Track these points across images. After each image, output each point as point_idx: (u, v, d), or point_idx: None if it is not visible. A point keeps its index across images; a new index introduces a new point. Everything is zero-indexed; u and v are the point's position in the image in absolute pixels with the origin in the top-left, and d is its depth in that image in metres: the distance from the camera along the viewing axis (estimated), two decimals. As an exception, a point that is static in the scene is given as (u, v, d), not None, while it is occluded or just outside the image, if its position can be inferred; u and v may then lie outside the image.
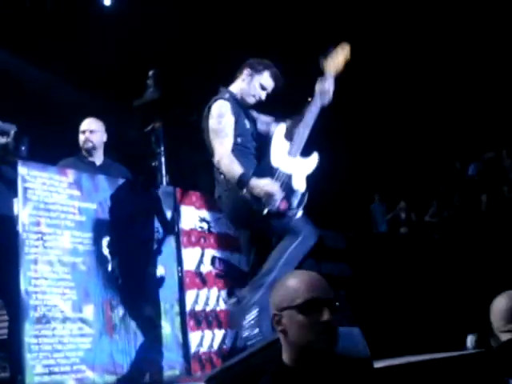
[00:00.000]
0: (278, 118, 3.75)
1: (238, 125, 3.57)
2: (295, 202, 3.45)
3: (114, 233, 4.16)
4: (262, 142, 3.65)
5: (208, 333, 4.54)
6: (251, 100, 3.72)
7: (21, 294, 3.56)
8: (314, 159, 3.62)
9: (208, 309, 4.60)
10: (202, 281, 4.63)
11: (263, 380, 1.88)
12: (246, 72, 3.72)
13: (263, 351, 2.03)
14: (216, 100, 3.59)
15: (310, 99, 3.63)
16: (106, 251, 4.09)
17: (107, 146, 4.68)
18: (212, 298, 4.66)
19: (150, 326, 4.21)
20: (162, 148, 5.10)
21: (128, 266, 4.19)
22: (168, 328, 4.32)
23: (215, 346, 4.57)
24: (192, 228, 4.68)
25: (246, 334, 3.31)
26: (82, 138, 4.59)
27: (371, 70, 7.47)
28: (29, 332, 3.54)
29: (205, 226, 4.77)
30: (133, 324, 4.10)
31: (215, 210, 4.63)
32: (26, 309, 3.57)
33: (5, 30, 5.68)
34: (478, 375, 2.74)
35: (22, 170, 3.76)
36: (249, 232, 3.61)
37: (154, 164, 5.19)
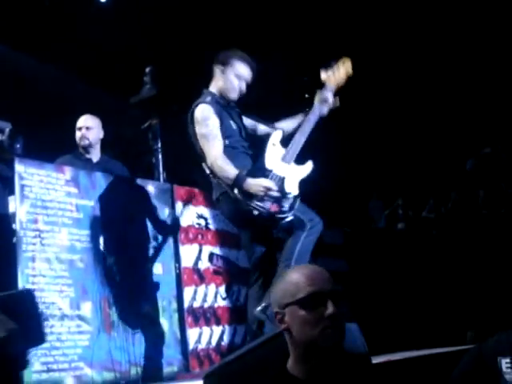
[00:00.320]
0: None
1: (223, 126, 3.57)
2: (287, 205, 3.44)
3: (112, 230, 4.16)
4: (257, 143, 3.66)
5: (206, 329, 4.54)
6: (234, 95, 3.68)
7: (18, 292, 3.56)
8: (308, 167, 3.61)
9: (206, 305, 4.60)
10: (200, 277, 4.63)
11: None
12: (217, 69, 3.68)
13: (263, 347, 2.02)
14: (197, 105, 3.59)
15: (307, 109, 3.66)
16: (103, 248, 4.09)
17: (104, 143, 4.67)
18: (210, 295, 4.66)
19: (148, 323, 4.21)
20: (159, 145, 5.09)
21: (126, 263, 4.19)
22: (166, 325, 4.32)
23: (213, 342, 4.57)
24: (189, 225, 4.67)
25: None
26: (78, 134, 4.58)
27: (368, 67, 7.47)
28: (27, 329, 3.54)
29: (202, 222, 4.77)
30: (131, 321, 4.10)
31: (213, 207, 4.63)
32: (24, 306, 3.56)
33: (1, 24, 5.66)
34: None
35: (19, 167, 3.76)
36: (250, 231, 3.61)
37: (151, 161, 5.19)
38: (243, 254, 4.37)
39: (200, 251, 4.69)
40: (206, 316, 4.57)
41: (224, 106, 3.64)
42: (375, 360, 2.15)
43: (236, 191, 3.41)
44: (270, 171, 3.49)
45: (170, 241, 4.50)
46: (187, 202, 4.69)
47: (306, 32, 7.03)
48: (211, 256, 4.76)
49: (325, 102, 3.63)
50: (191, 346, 4.41)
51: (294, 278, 1.78)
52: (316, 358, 1.74)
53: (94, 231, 4.06)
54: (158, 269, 4.37)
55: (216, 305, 4.68)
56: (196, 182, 4.85)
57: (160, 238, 4.42)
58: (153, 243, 4.39)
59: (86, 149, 4.57)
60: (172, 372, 4.24)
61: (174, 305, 4.41)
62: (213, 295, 4.69)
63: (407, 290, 5.95)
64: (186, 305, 4.46)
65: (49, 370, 3.60)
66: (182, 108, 3.74)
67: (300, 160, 3.60)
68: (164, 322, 4.31)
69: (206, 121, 3.53)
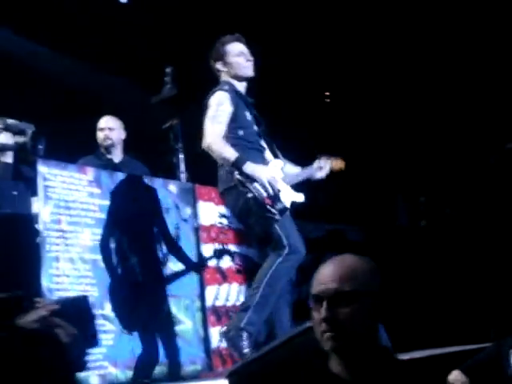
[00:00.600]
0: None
1: (238, 116, 3.53)
2: (279, 206, 3.39)
3: (134, 229, 4.18)
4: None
5: (229, 328, 4.54)
6: (249, 71, 3.65)
7: (42, 292, 3.59)
8: (300, 197, 3.57)
9: (229, 304, 4.61)
10: (223, 276, 4.63)
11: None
12: (218, 65, 3.66)
13: (288, 344, 2.02)
14: (214, 92, 3.56)
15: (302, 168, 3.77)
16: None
17: (125, 143, 4.70)
18: (232, 294, 4.67)
19: (171, 322, 4.22)
20: (180, 144, 5.10)
21: (148, 262, 4.21)
22: (189, 323, 4.33)
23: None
24: (212, 224, 4.68)
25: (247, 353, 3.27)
26: (100, 135, 4.61)
27: (395, 67, 7.44)
28: (51, 329, 3.56)
29: (224, 221, 4.78)
30: (154, 320, 4.11)
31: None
32: (49, 306, 3.59)
33: (25, 21, 5.71)
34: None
35: (43, 168, 3.79)
36: (251, 228, 3.56)
37: (172, 160, 5.20)
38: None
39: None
40: (228, 315, 4.57)
41: (240, 95, 3.61)
42: (401, 357, 2.12)
43: (236, 173, 3.36)
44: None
45: (192, 240, 4.52)
46: (209, 201, 4.70)
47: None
48: (233, 255, 4.75)
49: (320, 169, 3.76)
50: (214, 344, 4.41)
51: (317, 272, 1.69)
52: (340, 359, 1.65)
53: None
54: (180, 268, 4.38)
55: (238, 303, 4.68)
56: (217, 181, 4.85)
57: (182, 236, 4.43)
58: (175, 242, 4.40)
59: (109, 149, 4.59)
60: (195, 371, 4.25)
61: (197, 304, 4.43)
62: (235, 294, 4.69)
63: (430, 287, 5.91)
64: (208, 303, 4.47)
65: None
66: (203, 108, 3.75)
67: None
68: (187, 320, 4.32)
69: (219, 106, 3.48)
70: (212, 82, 3.70)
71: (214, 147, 3.41)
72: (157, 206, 4.37)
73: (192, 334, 4.33)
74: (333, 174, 3.85)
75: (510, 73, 7.25)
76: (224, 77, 3.66)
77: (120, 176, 4.27)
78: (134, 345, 3.94)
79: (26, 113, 3.98)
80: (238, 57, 3.63)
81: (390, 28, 6.87)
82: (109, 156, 4.60)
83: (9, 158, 3.65)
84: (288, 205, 3.46)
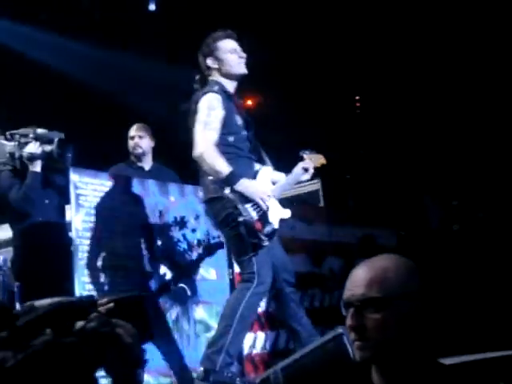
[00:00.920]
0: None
1: (228, 120, 3.40)
2: (268, 229, 3.33)
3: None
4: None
5: (261, 334, 4.53)
6: (241, 69, 3.53)
7: (76, 299, 3.62)
8: (287, 213, 3.51)
9: (260, 310, 4.59)
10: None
11: None
12: (209, 61, 3.51)
13: (320, 351, 2.00)
14: (205, 93, 3.41)
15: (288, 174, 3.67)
16: (157, 255, 4.12)
17: (155, 151, 4.73)
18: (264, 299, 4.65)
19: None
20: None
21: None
22: (221, 330, 4.32)
23: (268, 347, 4.56)
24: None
25: None
26: (131, 143, 4.64)
27: (424, 72, 7.40)
28: (84, 336, 3.59)
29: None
30: (186, 326, 4.12)
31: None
32: (81, 313, 3.62)
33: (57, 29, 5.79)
34: None
35: (74, 176, 3.83)
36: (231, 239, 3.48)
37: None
38: (296, 259, 4.35)
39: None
40: (260, 321, 4.55)
41: (230, 96, 3.48)
42: (444, 362, 2.06)
43: (227, 191, 3.27)
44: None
45: (224, 247, 4.51)
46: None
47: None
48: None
49: (305, 171, 3.64)
50: (246, 350, 4.40)
51: (348, 278, 1.54)
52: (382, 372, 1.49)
53: (149, 238, 4.10)
54: (211, 274, 4.39)
55: (270, 309, 4.66)
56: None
57: (212, 241, 4.44)
58: (206, 250, 4.40)
59: (139, 157, 4.62)
60: (227, 377, 4.24)
61: (228, 310, 4.41)
62: (267, 300, 4.67)
63: (465, 291, 5.83)
64: (240, 310, 4.45)
65: (107, 376, 3.63)
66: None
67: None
68: (219, 327, 4.32)
69: (211, 110, 3.35)
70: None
71: (206, 157, 3.27)
72: (188, 212, 4.38)
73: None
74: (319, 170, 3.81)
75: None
76: (214, 75, 3.52)
77: (151, 183, 4.29)
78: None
79: (57, 122, 4.02)
80: (231, 54, 3.50)
81: (418, 32, 6.84)
82: (139, 164, 4.63)
83: (38, 167, 3.68)
84: (276, 225, 3.39)
